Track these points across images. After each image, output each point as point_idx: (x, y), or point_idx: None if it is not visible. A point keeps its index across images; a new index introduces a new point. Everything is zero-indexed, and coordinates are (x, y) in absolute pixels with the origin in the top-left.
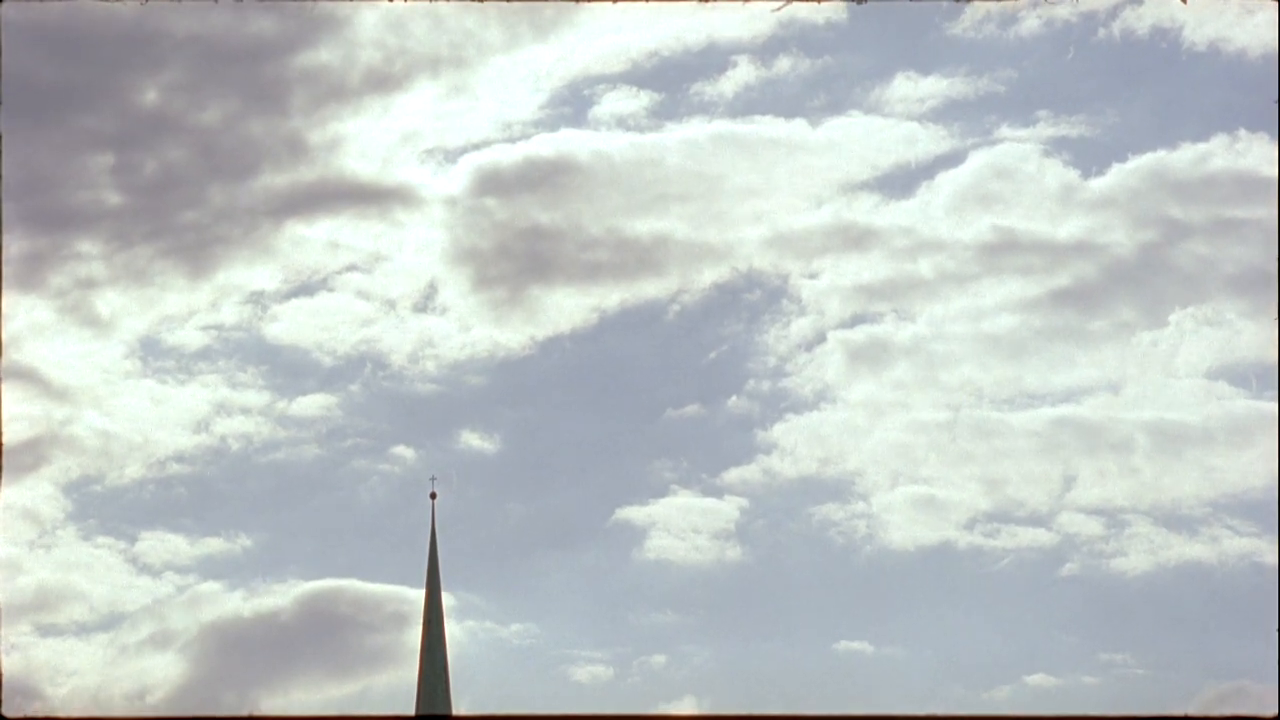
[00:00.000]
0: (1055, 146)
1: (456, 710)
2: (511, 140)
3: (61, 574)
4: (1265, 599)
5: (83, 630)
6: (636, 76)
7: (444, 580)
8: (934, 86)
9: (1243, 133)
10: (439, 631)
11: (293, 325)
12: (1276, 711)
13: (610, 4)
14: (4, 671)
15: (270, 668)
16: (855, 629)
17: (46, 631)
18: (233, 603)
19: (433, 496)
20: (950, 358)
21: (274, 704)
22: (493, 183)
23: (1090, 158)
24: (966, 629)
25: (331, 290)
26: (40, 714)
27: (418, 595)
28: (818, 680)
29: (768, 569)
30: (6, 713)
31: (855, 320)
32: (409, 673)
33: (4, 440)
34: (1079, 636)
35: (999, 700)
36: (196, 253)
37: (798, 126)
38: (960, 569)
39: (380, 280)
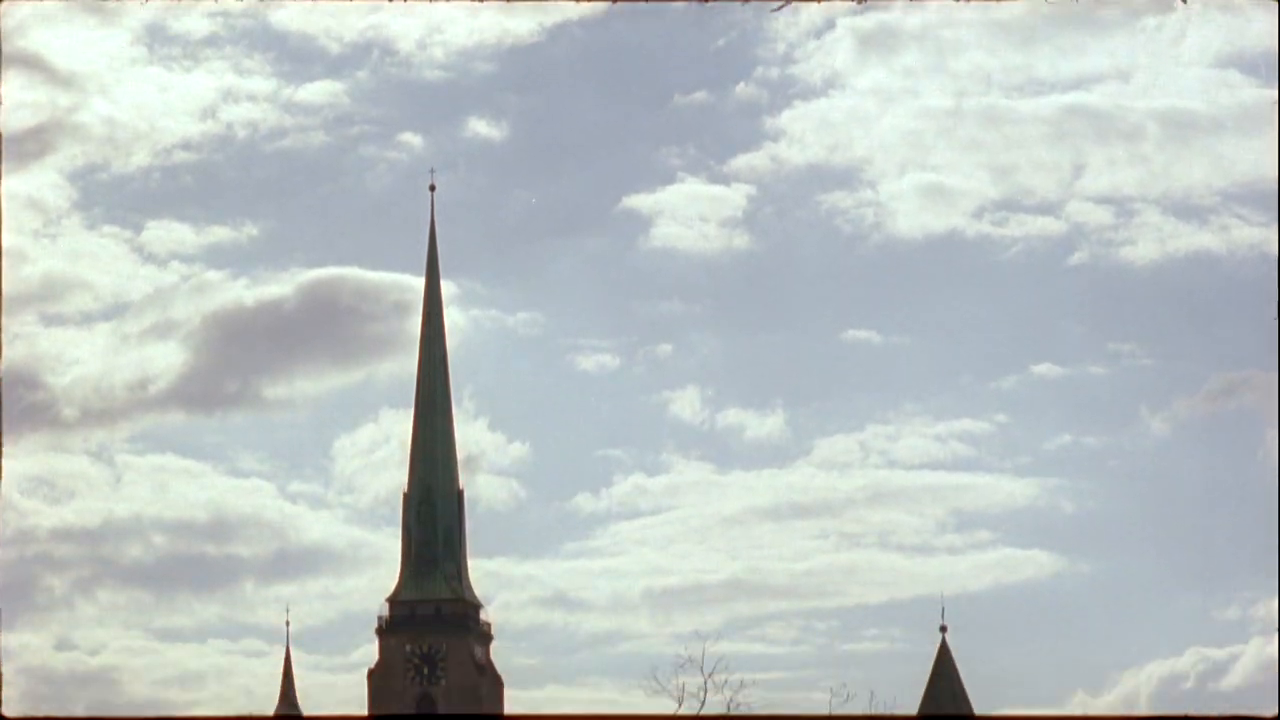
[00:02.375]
0: None
1: (456, 401)
2: None
3: (67, 263)
4: (1273, 288)
5: (86, 319)
6: None
7: (450, 270)
8: None
9: None
10: (438, 325)
11: (299, 11)
12: (1276, 712)
13: None
14: (5, 360)
15: (272, 356)
16: (863, 318)
17: (50, 321)
18: (235, 291)
19: (431, 189)
20: (960, 44)
21: (276, 392)
22: None
23: None
24: (974, 318)
25: None
26: (42, 710)
27: (419, 284)
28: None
29: (775, 257)
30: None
31: (865, 6)
32: (410, 362)
33: (7, 129)
34: (1087, 326)
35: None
36: None
37: None
38: (968, 257)
39: None
